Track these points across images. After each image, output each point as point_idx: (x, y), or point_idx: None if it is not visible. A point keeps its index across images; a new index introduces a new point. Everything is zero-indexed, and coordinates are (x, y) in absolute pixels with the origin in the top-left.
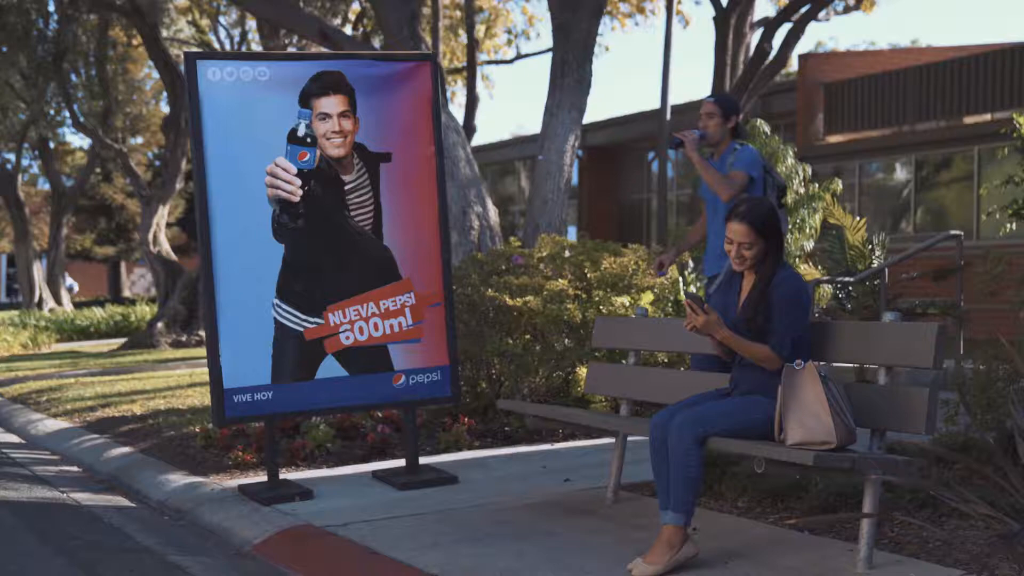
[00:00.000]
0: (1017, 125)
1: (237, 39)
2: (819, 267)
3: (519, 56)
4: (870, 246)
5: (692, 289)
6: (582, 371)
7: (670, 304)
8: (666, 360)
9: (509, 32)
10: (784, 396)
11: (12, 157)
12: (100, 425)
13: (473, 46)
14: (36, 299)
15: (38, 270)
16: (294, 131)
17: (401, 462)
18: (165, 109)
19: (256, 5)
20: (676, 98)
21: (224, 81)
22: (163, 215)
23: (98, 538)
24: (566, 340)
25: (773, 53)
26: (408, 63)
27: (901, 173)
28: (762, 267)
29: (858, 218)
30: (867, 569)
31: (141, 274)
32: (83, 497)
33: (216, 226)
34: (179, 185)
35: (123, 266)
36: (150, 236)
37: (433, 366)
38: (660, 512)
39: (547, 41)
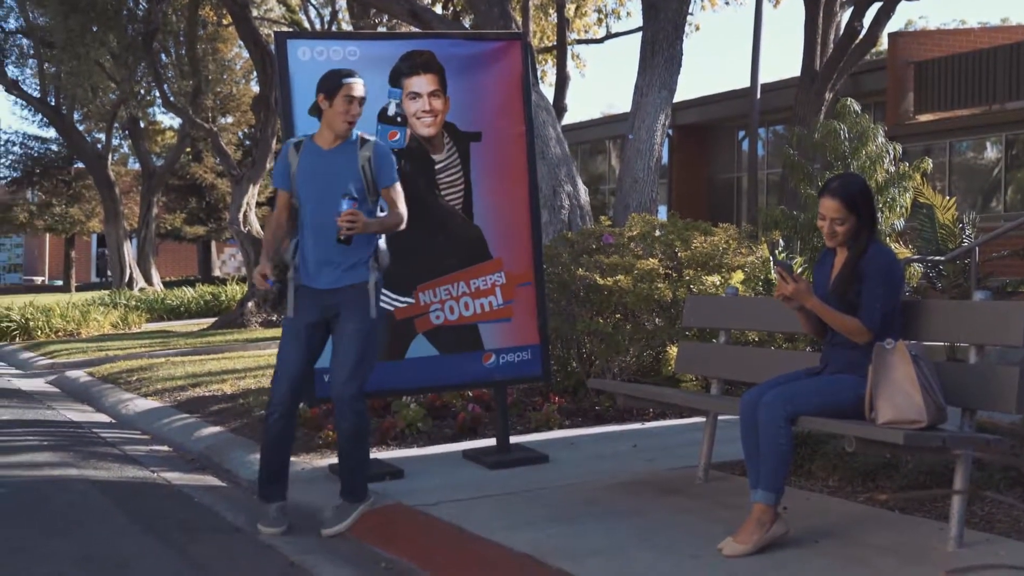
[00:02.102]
0: None
1: (327, 18)
2: (910, 246)
3: (609, 35)
4: (960, 225)
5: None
6: (672, 350)
7: (760, 283)
8: (756, 339)
9: (599, 11)
10: (875, 375)
11: (103, 137)
12: (190, 405)
13: (563, 25)
14: (126, 279)
15: (128, 250)
16: (384, 110)
17: (491, 441)
18: (255, 88)
19: None
20: (766, 76)
21: (314, 60)
22: (253, 194)
23: (188, 517)
24: (656, 319)
25: (863, 32)
26: (498, 42)
27: (991, 152)
28: (855, 243)
29: (948, 197)
30: (958, 547)
31: (231, 254)
32: (173, 476)
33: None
34: (269, 164)
35: (213, 246)
36: (240, 216)
37: (523, 345)
38: (750, 491)
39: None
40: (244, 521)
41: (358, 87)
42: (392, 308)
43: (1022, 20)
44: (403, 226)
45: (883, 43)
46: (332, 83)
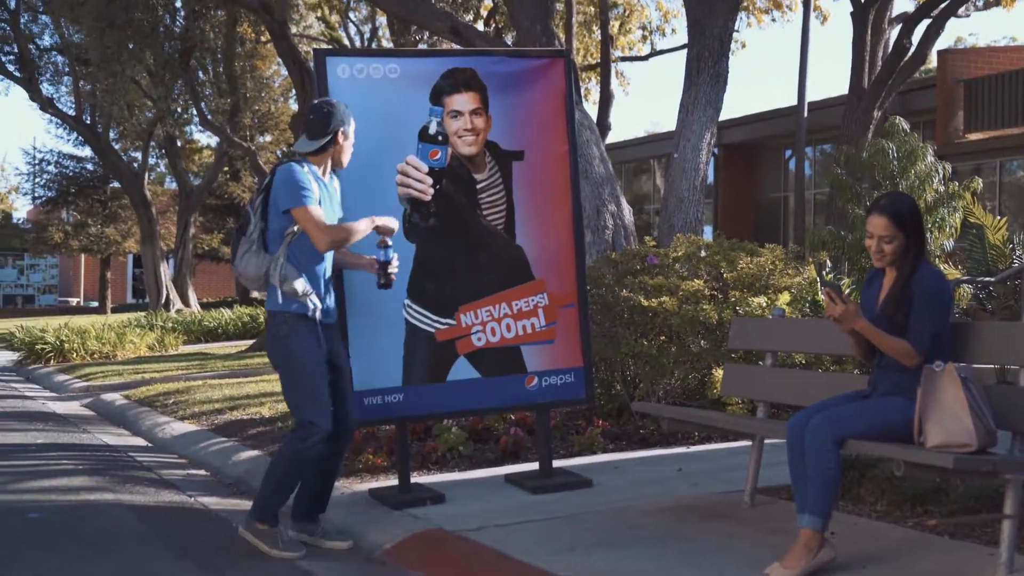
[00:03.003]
0: None
1: (367, 36)
2: (959, 267)
3: (654, 52)
4: (1011, 245)
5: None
6: (718, 373)
7: (807, 305)
8: (803, 361)
9: (644, 28)
10: (924, 398)
11: (139, 156)
12: (228, 428)
13: (607, 42)
14: (163, 300)
15: (165, 271)
16: (425, 129)
17: (534, 465)
18: (294, 106)
19: (387, 1)
20: (813, 94)
21: (354, 78)
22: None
23: (226, 543)
24: (702, 341)
25: (912, 49)
26: (541, 59)
27: None
28: (903, 263)
29: (999, 217)
30: (1008, 573)
31: None
32: (211, 501)
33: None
34: None
35: None
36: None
37: (567, 368)
38: (797, 516)
39: (682, 37)
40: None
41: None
42: (433, 330)
43: None
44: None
45: (932, 61)
46: (350, 119)
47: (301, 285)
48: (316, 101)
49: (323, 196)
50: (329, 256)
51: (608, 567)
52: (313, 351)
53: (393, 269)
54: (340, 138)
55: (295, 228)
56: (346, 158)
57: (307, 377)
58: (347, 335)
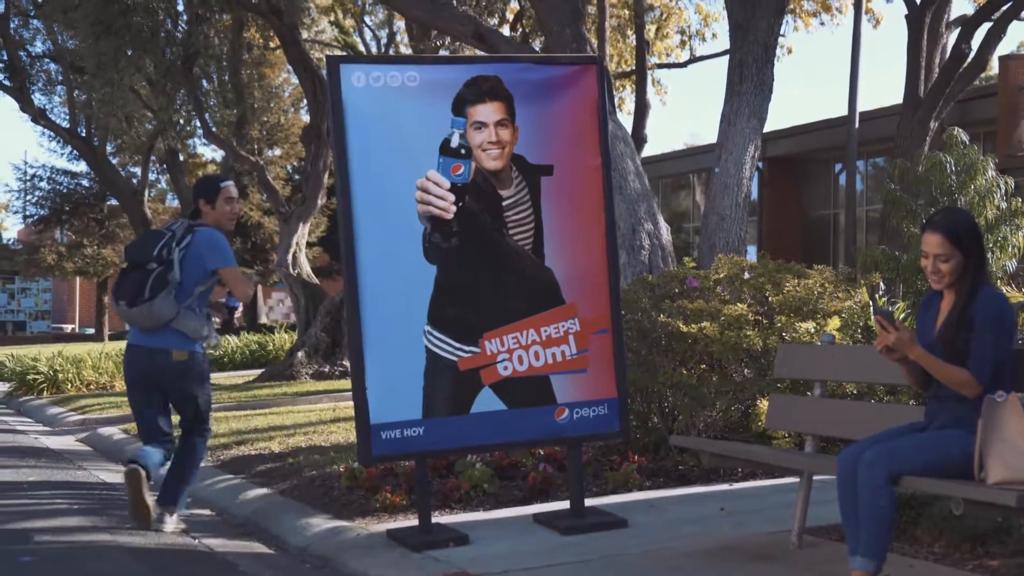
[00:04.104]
0: None
1: (384, 41)
2: (1022, 289)
3: (693, 59)
4: None
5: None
6: (763, 404)
7: (859, 330)
8: (855, 392)
9: (682, 32)
10: (984, 431)
11: (138, 171)
12: (235, 464)
13: (643, 48)
14: None
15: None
16: (447, 142)
17: (565, 504)
18: (305, 118)
19: (405, 4)
20: (865, 104)
21: (370, 87)
22: (303, 234)
23: None
24: (745, 370)
25: (972, 55)
26: (572, 67)
27: None
28: (962, 285)
29: None
30: None
31: (279, 299)
32: (216, 543)
33: (362, 246)
34: (321, 201)
35: (259, 290)
36: (289, 257)
37: (599, 399)
38: (849, 557)
39: (724, 42)
40: None
41: (234, 189)
42: (456, 358)
43: None
44: None
45: (993, 67)
46: (210, 189)
47: (207, 330)
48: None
49: None
50: None
51: None
52: None
53: (237, 315)
54: (204, 208)
55: (207, 284)
56: (226, 223)
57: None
58: (364, 365)
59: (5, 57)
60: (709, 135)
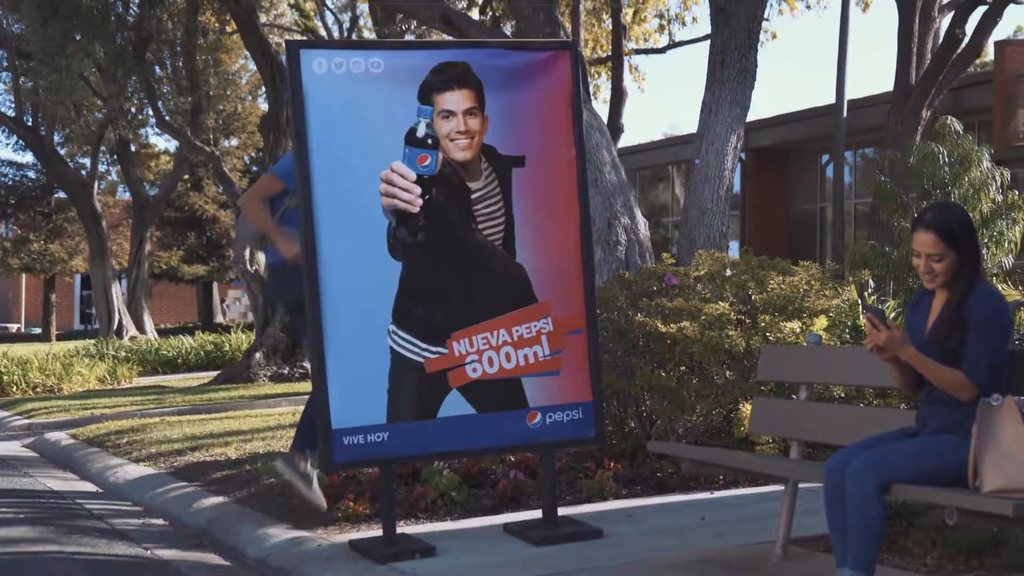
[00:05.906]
0: None
1: (347, 25)
2: (1020, 287)
3: (672, 44)
4: None
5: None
6: (746, 408)
7: (847, 330)
8: (843, 395)
9: (661, 16)
10: (979, 436)
11: (87, 162)
12: (189, 471)
13: (619, 32)
14: (115, 326)
15: (117, 293)
16: (413, 131)
17: (537, 513)
18: (263, 106)
19: None
20: (854, 92)
21: (332, 74)
22: None
23: None
24: (727, 372)
25: (966, 40)
26: (544, 52)
27: None
28: (956, 283)
29: None
30: None
31: (236, 297)
32: (169, 554)
33: (323, 241)
34: None
35: (215, 288)
36: (246, 253)
37: (574, 402)
38: (836, 570)
39: (705, 26)
40: None
41: None
42: (422, 360)
43: None
44: None
45: (989, 53)
46: None
47: None
48: None
49: None
50: None
51: None
52: None
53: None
54: None
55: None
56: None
57: None
58: (325, 365)
59: None
60: (689, 125)
